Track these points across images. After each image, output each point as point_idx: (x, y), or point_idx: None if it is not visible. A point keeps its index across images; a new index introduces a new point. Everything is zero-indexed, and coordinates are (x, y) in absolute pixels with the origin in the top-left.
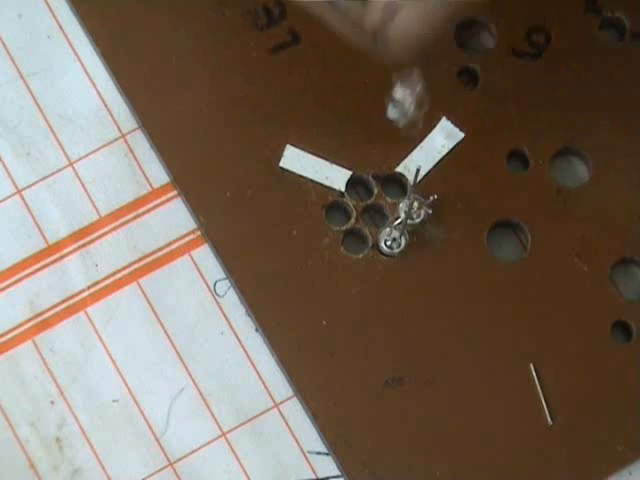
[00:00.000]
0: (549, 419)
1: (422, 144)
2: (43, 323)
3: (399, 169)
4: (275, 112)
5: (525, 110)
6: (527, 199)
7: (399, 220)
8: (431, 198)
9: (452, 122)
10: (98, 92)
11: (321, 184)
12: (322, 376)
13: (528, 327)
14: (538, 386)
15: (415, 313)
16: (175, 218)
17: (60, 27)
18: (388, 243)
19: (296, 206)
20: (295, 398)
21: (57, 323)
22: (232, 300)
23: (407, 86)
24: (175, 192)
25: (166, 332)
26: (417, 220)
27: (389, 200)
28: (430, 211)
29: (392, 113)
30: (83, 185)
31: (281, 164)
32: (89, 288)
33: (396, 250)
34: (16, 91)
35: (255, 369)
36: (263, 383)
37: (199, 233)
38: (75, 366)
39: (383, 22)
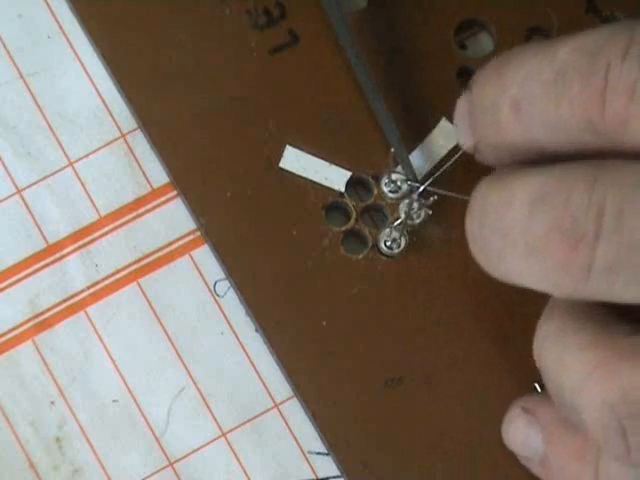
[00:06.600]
0: None
1: (422, 144)
2: (43, 323)
3: (399, 170)
4: (275, 112)
5: None
6: None
7: (399, 221)
8: (431, 198)
9: (452, 122)
10: (98, 92)
11: (321, 184)
12: (322, 376)
13: (528, 327)
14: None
15: (415, 313)
16: (175, 218)
17: (60, 27)
18: (388, 243)
19: (296, 206)
20: (295, 398)
21: (57, 323)
22: (232, 300)
23: None
24: (175, 192)
25: (166, 332)
26: (417, 221)
27: (389, 200)
28: (430, 211)
29: None
30: (83, 185)
31: (281, 164)
32: (89, 288)
33: (396, 250)
34: (16, 91)
35: (255, 369)
36: (263, 383)
37: (199, 233)
38: (75, 366)
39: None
